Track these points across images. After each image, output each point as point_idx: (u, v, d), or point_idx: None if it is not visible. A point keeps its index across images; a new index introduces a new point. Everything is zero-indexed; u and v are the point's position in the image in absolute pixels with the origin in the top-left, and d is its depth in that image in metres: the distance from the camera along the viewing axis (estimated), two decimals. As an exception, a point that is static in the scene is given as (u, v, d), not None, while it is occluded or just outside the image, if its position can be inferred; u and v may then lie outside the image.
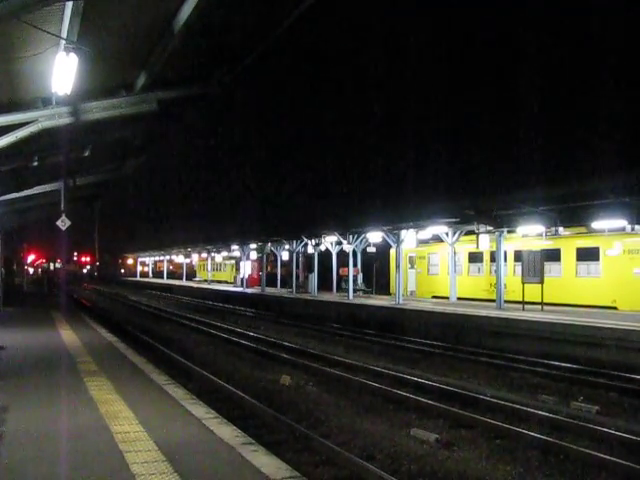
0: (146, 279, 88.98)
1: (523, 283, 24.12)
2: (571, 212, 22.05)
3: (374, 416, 11.91)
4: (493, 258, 27.91)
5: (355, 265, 35.36)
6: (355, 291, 34.76)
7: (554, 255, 26.68)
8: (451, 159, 21.68)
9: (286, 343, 22.34)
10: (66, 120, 16.20)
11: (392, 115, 24.40)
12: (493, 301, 26.21)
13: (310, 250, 39.49)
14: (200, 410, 9.13)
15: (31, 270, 73.15)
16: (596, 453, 9.29)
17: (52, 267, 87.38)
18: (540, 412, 11.70)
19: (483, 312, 22.82)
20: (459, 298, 29.96)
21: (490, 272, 29.99)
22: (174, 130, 40.59)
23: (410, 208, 24.86)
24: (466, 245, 30.43)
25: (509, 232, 26.23)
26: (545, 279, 23.60)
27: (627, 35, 15.44)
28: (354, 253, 34.39)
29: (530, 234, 27.19)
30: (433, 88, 22.05)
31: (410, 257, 35.61)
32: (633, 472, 8.57)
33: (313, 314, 32.17)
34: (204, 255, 65.12)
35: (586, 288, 25.72)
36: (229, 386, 14.04)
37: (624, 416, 12.02)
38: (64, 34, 11.93)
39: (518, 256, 26.66)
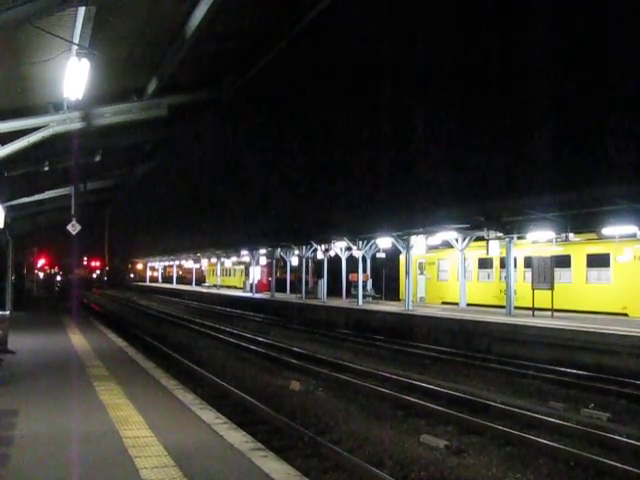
0: (155, 284, 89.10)
1: (533, 289, 24.04)
2: (581, 218, 21.96)
3: (383, 422, 11.88)
4: (503, 264, 27.85)
5: (365, 271, 35.30)
6: (364, 297, 34.70)
7: (564, 261, 26.59)
8: (461, 165, 21.62)
9: (295, 349, 22.32)
10: (77, 125, 16.31)
11: (401, 120, 24.38)
12: (503, 307, 26.14)
13: (319, 256, 39.48)
14: (209, 415, 9.13)
15: (41, 275, 73.34)
16: (607, 460, 9.23)
17: (52, 272, 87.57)
18: (550, 419, 11.65)
19: (493, 318, 22.74)
20: (469, 304, 29.87)
21: (500, 278, 29.92)
22: (184, 135, 40.78)
23: (419, 214, 24.81)
24: (476, 251, 30.38)
25: (519, 238, 26.18)
26: (555, 285, 23.53)
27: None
28: (364, 259, 34.34)
29: (540, 240, 27.13)
30: (441, 93, 22.03)
31: (420, 263, 35.57)
32: (645, 480, 8.53)
33: (322, 320, 32.16)
34: (213, 260, 65.18)
35: (596, 294, 25.63)
36: (238, 391, 14.04)
37: (636, 424, 11.95)
38: (76, 39, 12.02)
39: (528, 262, 26.58)
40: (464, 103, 21.20)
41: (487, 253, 27.14)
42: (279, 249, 43.84)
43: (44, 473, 6.48)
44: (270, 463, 6.81)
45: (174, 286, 75.47)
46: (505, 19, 19.45)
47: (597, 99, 16.69)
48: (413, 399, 13.42)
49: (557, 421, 11.51)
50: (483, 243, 27.52)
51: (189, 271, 79.49)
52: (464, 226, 25.96)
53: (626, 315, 23.93)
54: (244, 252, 50.53)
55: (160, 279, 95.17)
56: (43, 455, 7.09)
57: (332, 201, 30.47)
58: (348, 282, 38.76)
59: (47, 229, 48.84)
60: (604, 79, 16.46)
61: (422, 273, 35.87)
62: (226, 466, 6.74)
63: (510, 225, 24.01)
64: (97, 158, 23.73)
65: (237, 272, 64.06)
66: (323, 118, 29.55)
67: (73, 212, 25.83)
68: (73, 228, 25.35)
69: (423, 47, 22.77)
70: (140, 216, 73.32)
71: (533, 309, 23.99)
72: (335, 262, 38.91)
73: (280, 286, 48.18)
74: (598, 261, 25.85)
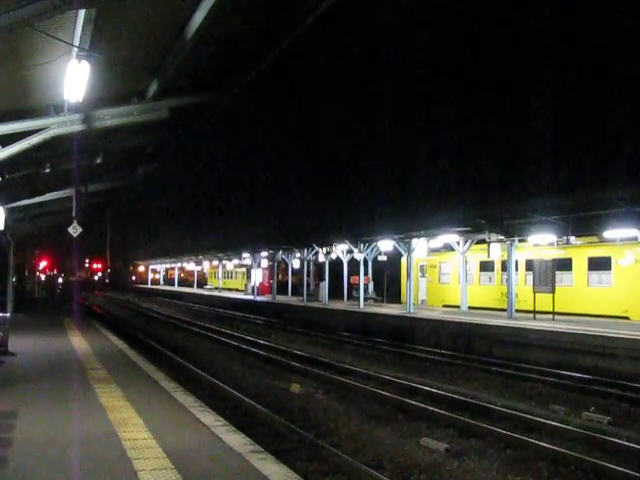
0: (157, 286, 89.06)
1: (534, 292, 24.01)
2: (583, 221, 21.94)
3: (384, 425, 11.85)
4: (504, 267, 27.82)
5: (366, 273, 35.25)
6: (366, 299, 34.66)
7: (565, 264, 26.53)
8: (462, 167, 21.62)
9: (296, 351, 22.30)
10: (78, 127, 16.33)
11: (402, 124, 24.39)
12: (504, 310, 26.08)
13: (321, 258, 39.44)
14: (209, 417, 9.12)
15: (43, 277, 73.34)
16: (608, 464, 9.20)
17: (53, 274, 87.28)
18: (551, 422, 11.62)
19: (494, 321, 22.71)
20: (470, 307, 29.84)
21: (501, 281, 29.87)
22: (185, 138, 40.83)
23: (421, 217, 24.80)
24: (477, 254, 30.35)
25: (520, 241, 26.13)
26: (556, 288, 23.50)
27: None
28: (365, 261, 34.30)
29: (541, 243, 27.09)
30: (442, 97, 22.03)
31: (421, 266, 35.53)
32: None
33: (324, 322, 32.13)
34: (215, 263, 65.20)
35: (598, 298, 25.57)
36: (239, 394, 14.01)
37: (636, 427, 11.92)
38: (76, 42, 12.02)
39: (529, 265, 26.55)
40: (465, 106, 21.19)
41: (488, 256, 27.11)
42: (281, 252, 43.80)
43: (43, 475, 6.48)
44: (269, 466, 6.80)
45: (176, 288, 75.48)
46: (503, 21, 19.45)
47: (598, 102, 16.67)
48: (414, 402, 13.39)
49: (558, 424, 11.48)
50: (484, 246, 27.49)
51: (191, 273, 79.49)
52: (465, 229, 25.94)
53: (627, 318, 23.87)
54: (246, 255, 50.51)
55: (162, 281, 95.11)
56: (42, 457, 7.08)
57: (334, 204, 30.48)
58: (350, 285, 38.74)
59: (48, 231, 48.92)
60: (605, 80, 16.44)
61: (423, 276, 35.83)
62: (225, 468, 6.73)
63: (511, 228, 23.97)
64: (98, 160, 23.77)
65: (239, 275, 64.05)
66: (324, 120, 29.54)
67: (74, 214, 25.87)
68: (74, 230, 25.37)
69: (424, 50, 22.77)
70: (141, 218, 73.34)
71: (534, 312, 23.95)
72: (337, 265, 38.90)
73: (282, 289, 48.16)
74: (599, 264, 25.79)
